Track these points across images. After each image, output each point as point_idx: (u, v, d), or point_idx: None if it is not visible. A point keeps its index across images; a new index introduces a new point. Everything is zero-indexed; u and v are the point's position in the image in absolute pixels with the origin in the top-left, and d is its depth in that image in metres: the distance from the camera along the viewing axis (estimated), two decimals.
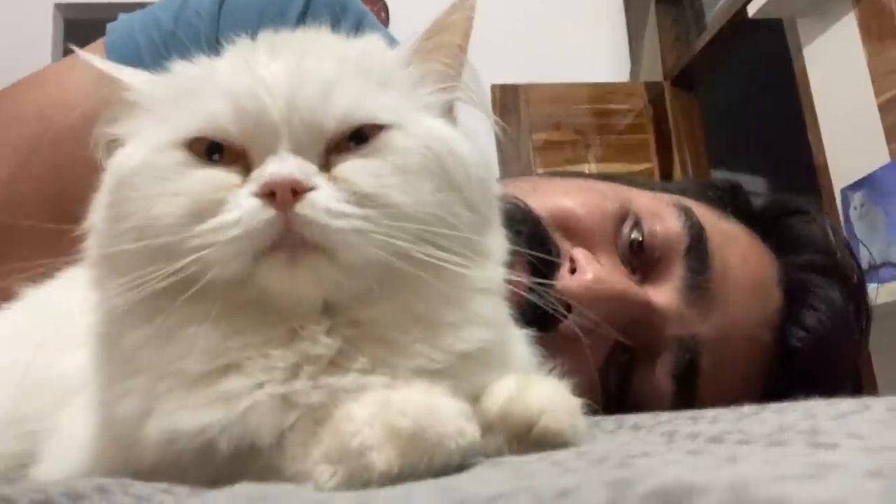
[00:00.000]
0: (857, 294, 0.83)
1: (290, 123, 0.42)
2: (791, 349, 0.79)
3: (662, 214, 0.80)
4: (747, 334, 0.79)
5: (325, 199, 0.40)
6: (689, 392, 0.75)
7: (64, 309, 0.58)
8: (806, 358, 0.78)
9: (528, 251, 0.64)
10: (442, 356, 0.43)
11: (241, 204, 0.40)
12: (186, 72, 0.48)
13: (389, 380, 0.42)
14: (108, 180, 0.46)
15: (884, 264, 2.57)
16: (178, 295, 0.41)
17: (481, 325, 0.45)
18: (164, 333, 0.42)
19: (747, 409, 0.44)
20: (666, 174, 3.87)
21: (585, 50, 4.17)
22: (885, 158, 2.58)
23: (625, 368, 0.77)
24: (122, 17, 0.98)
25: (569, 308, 0.71)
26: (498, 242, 0.50)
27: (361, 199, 0.41)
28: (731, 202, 0.91)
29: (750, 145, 4.70)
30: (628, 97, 4.03)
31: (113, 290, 0.43)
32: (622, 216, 0.80)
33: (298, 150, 0.42)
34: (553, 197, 0.83)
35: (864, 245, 2.53)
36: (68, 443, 0.49)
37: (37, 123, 0.92)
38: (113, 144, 0.48)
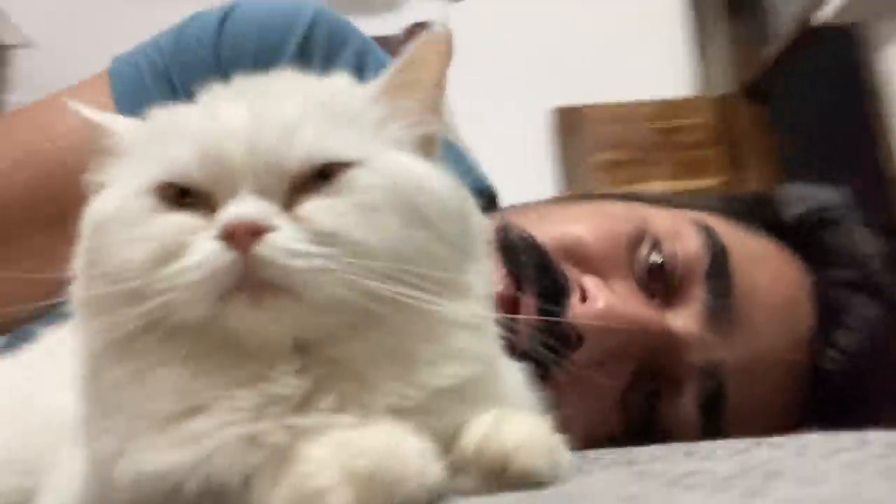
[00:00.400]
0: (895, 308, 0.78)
1: (251, 166, 0.42)
2: (825, 372, 0.74)
3: (682, 234, 0.76)
4: (777, 358, 0.74)
5: (284, 240, 0.40)
6: (714, 421, 0.71)
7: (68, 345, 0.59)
8: (840, 381, 0.74)
9: (533, 283, 0.63)
10: (415, 392, 0.42)
11: (202, 247, 0.40)
12: (160, 117, 0.48)
13: (356, 419, 0.41)
14: (84, 226, 0.47)
15: None
16: (148, 336, 0.41)
17: (459, 360, 0.44)
18: (136, 374, 0.42)
19: (743, 444, 0.41)
20: (737, 188, 3.76)
21: (649, 66, 4.09)
22: None
23: (649, 397, 0.74)
24: (129, 50, 1.00)
25: (580, 339, 0.69)
26: (481, 276, 0.48)
27: (324, 238, 0.41)
28: (761, 215, 0.86)
29: (824, 158, 4.56)
30: (695, 112, 3.93)
31: (91, 332, 0.44)
32: (638, 239, 0.77)
33: (262, 191, 0.42)
34: (561, 224, 0.80)
35: None
36: (66, 478, 0.49)
37: (35, 136, 0.94)
38: (95, 190, 0.49)
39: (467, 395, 0.44)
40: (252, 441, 0.40)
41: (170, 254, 0.41)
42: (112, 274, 0.42)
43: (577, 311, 0.71)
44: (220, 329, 0.41)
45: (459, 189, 0.48)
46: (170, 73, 0.92)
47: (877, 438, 0.36)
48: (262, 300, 0.40)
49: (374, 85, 0.48)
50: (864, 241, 0.80)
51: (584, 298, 0.72)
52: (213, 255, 0.40)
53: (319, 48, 0.93)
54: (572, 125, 3.87)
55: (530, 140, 3.88)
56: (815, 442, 0.37)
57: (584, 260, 0.76)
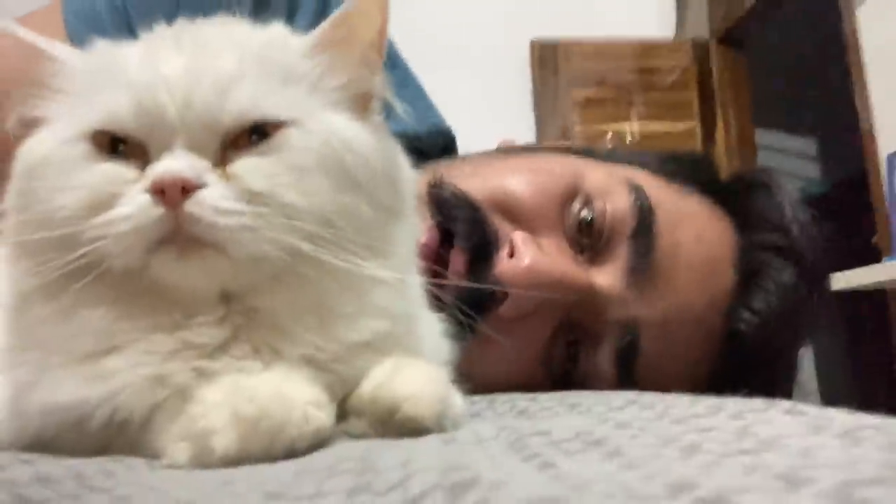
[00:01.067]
0: (811, 277, 0.80)
1: (185, 121, 0.42)
2: (736, 332, 0.77)
3: (613, 192, 0.78)
4: (695, 316, 0.77)
5: (212, 198, 0.41)
6: (629, 374, 0.75)
7: None
8: (748, 341, 0.77)
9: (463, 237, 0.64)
10: (331, 345, 0.45)
11: (133, 199, 0.41)
12: (103, 57, 0.48)
13: (263, 366, 0.43)
14: (17, 167, 0.47)
15: None
16: (78, 279, 0.42)
17: (377, 316, 0.46)
18: (61, 313, 0.43)
19: (620, 401, 0.44)
20: (709, 133, 3.78)
21: (629, 5, 4.06)
22: None
23: (570, 349, 0.76)
24: None
25: (505, 293, 0.71)
26: (408, 233, 0.50)
27: (253, 196, 0.42)
28: (696, 175, 0.88)
29: (797, 106, 4.58)
30: (673, 54, 3.92)
31: (20, 272, 0.45)
32: (570, 195, 0.78)
33: (194, 147, 0.42)
34: (495, 178, 0.81)
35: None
36: None
37: None
38: (30, 123, 0.49)
39: (383, 347, 0.47)
40: (158, 380, 0.42)
41: (101, 203, 0.42)
42: (44, 220, 0.43)
43: (503, 267, 0.73)
44: (146, 278, 0.42)
45: (390, 149, 0.50)
46: (128, 10, 0.89)
47: (734, 405, 0.39)
48: (189, 254, 0.41)
49: (310, 38, 0.48)
50: (788, 207, 0.82)
51: (512, 254, 0.74)
52: (142, 209, 0.41)
53: None
54: (550, 59, 3.84)
55: (509, 73, 3.85)
56: (679, 405, 0.40)
57: (516, 214, 0.78)
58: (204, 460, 0.37)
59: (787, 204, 0.83)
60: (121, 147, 0.44)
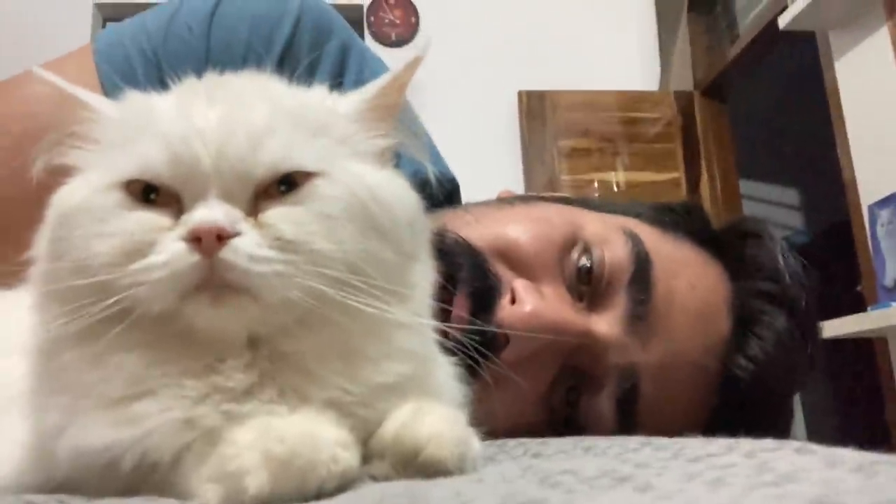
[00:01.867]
0: (804, 324, 0.82)
1: (219, 171, 0.44)
2: (734, 378, 0.79)
3: (611, 241, 0.80)
4: (691, 362, 0.78)
5: (247, 246, 0.42)
6: (629, 418, 0.76)
7: (14, 316, 0.61)
8: (746, 387, 0.78)
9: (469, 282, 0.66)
10: (357, 388, 0.46)
11: (168, 247, 0.42)
12: (135, 107, 0.50)
13: (289, 409, 0.44)
14: (51, 215, 0.48)
15: None
16: (112, 325, 0.43)
17: (401, 359, 0.48)
18: (93, 358, 0.44)
19: (635, 443, 0.45)
20: (693, 184, 3.84)
21: (614, 57, 4.16)
22: None
23: (570, 394, 0.78)
24: (111, 25, 0.99)
25: (507, 339, 0.73)
26: (425, 276, 0.52)
27: (285, 244, 0.43)
28: (688, 224, 0.90)
29: (780, 157, 4.66)
30: (657, 106, 4.00)
31: (51, 318, 0.46)
32: (569, 243, 0.80)
33: (227, 196, 0.44)
34: (496, 227, 0.83)
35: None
36: (7, 447, 0.51)
37: (24, 121, 0.89)
38: (58, 171, 0.50)
39: (404, 390, 0.48)
40: (188, 423, 0.43)
41: (136, 251, 0.43)
42: (79, 267, 0.44)
43: (505, 313, 0.75)
44: (178, 323, 0.43)
45: (410, 196, 0.52)
46: (158, 59, 0.91)
47: (747, 444, 0.40)
48: (222, 300, 0.42)
49: (355, 103, 0.52)
50: (780, 256, 0.84)
51: (513, 300, 0.76)
52: (178, 256, 0.42)
53: (306, 40, 0.95)
54: (538, 109, 3.91)
55: (497, 122, 3.92)
56: (692, 446, 0.41)
57: (517, 262, 0.80)
58: (236, 500, 0.38)
59: (778, 252, 0.85)
60: (153, 196, 0.45)
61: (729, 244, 0.88)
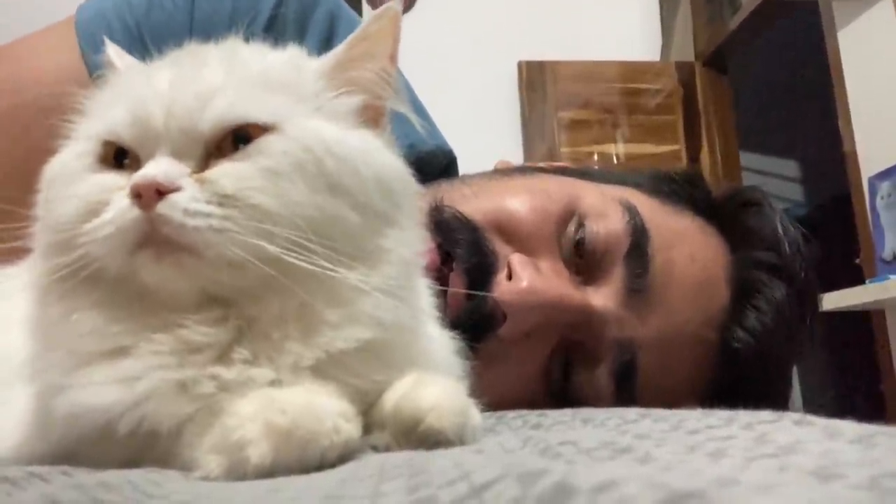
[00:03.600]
0: (803, 295, 0.82)
1: (168, 129, 0.45)
2: (732, 350, 0.79)
3: (607, 214, 0.80)
4: (690, 334, 0.79)
5: (183, 200, 0.43)
6: (627, 391, 0.76)
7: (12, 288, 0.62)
8: (744, 359, 0.78)
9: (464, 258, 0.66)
10: (313, 353, 0.45)
11: (116, 205, 0.44)
12: (117, 77, 0.53)
13: (273, 373, 0.44)
14: (42, 180, 0.51)
15: None
16: (74, 282, 0.45)
17: (364, 324, 0.46)
18: (65, 315, 0.46)
19: (634, 414, 0.45)
20: (694, 156, 3.83)
21: (615, 28, 4.12)
22: None
23: (568, 367, 0.78)
24: None
25: (504, 315, 0.73)
26: (404, 243, 0.50)
27: (223, 199, 0.43)
28: (688, 194, 0.90)
29: (781, 129, 4.64)
30: (658, 77, 3.97)
31: (36, 274, 0.49)
32: (566, 216, 0.80)
33: (178, 154, 0.45)
34: (493, 200, 0.83)
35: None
36: (14, 416, 0.52)
37: (9, 97, 0.92)
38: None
39: (381, 357, 0.47)
40: (182, 389, 0.43)
41: (92, 210, 0.45)
42: (49, 226, 0.47)
43: (502, 289, 0.75)
44: (135, 281, 0.45)
45: (387, 157, 0.51)
46: (141, 32, 0.91)
47: (745, 416, 0.41)
48: (164, 256, 0.43)
49: (326, 60, 0.51)
50: (779, 226, 0.84)
51: (510, 276, 0.76)
52: (121, 212, 0.43)
53: (293, 9, 0.94)
54: (538, 80, 3.88)
55: (497, 93, 3.89)
56: (692, 418, 0.41)
57: (514, 236, 0.80)
58: (238, 471, 0.38)
59: (778, 222, 0.85)
60: (126, 160, 0.47)
61: (729, 214, 0.88)
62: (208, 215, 0.43)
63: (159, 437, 0.43)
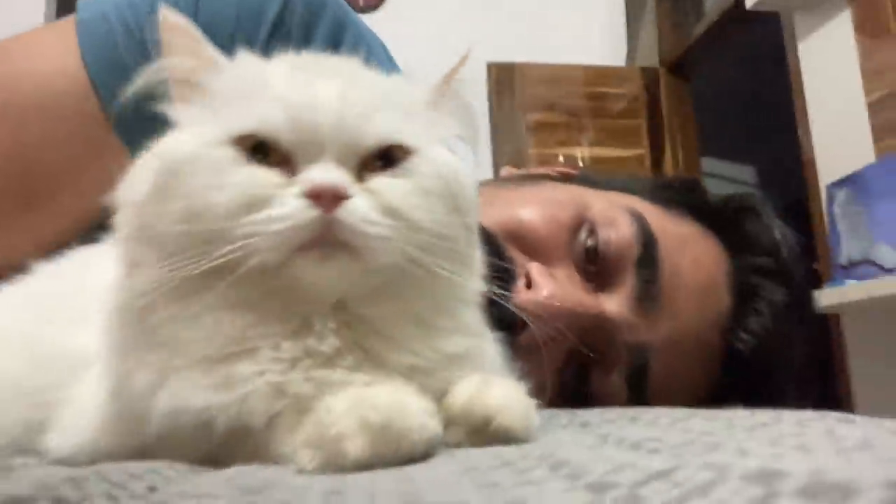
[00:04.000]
0: (800, 298, 0.87)
1: (335, 138, 0.48)
2: (736, 352, 0.83)
3: (617, 221, 0.83)
4: (696, 337, 0.82)
5: (361, 208, 0.46)
6: (640, 393, 0.80)
7: (77, 284, 0.63)
8: (748, 361, 0.83)
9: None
10: (431, 355, 0.49)
11: (289, 202, 0.45)
12: (244, 69, 0.53)
13: (370, 378, 0.46)
14: (153, 163, 0.49)
15: (863, 262, 2.63)
16: (213, 280, 0.45)
17: (466, 333, 0.52)
18: (192, 315, 0.46)
19: (681, 413, 0.49)
20: (657, 161, 3.91)
21: (582, 32, 4.19)
22: (872, 157, 2.63)
23: (582, 370, 0.81)
24: None
25: (524, 323, 0.76)
26: (479, 256, 0.56)
27: (391, 211, 0.47)
28: (687, 200, 0.93)
29: (741, 135, 4.75)
30: (623, 81, 4.05)
31: (152, 268, 0.47)
32: (577, 224, 0.83)
33: (339, 161, 0.47)
34: (506, 209, 0.86)
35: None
36: (79, 413, 0.53)
37: (4, 94, 0.90)
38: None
39: (465, 361, 0.51)
40: (280, 389, 0.45)
41: (253, 204, 0.45)
42: (192, 214, 0.46)
43: (522, 298, 0.78)
44: (281, 278, 0.46)
45: (472, 178, 0.55)
46: (143, 34, 0.89)
47: (789, 415, 0.44)
48: (330, 257, 0.45)
49: (427, 92, 0.56)
50: (776, 230, 0.89)
51: (528, 284, 0.79)
52: (300, 210, 0.45)
53: (297, 16, 0.94)
54: (506, 82, 3.93)
55: (465, 94, 3.92)
56: (739, 416, 0.45)
57: (529, 244, 0.83)
58: (336, 465, 0.40)
59: (775, 227, 0.89)
60: (259, 154, 0.48)
61: (727, 219, 0.92)
62: (378, 224, 0.46)
63: (251, 433, 0.45)
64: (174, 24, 0.54)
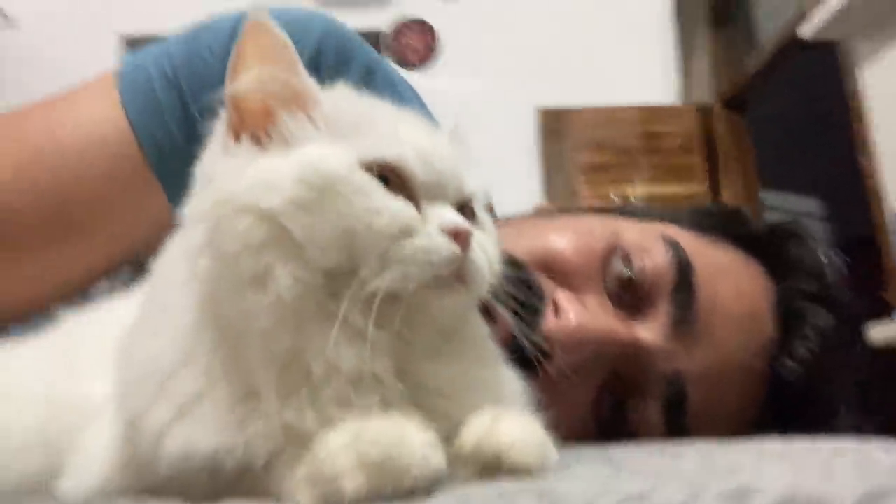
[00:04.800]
0: (849, 322, 0.83)
1: (450, 184, 0.52)
2: (782, 379, 0.79)
3: (651, 249, 0.81)
4: (738, 366, 0.79)
5: (482, 250, 0.51)
6: (678, 423, 0.77)
7: (100, 334, 0.63)
8: (796, 388, 0.79)
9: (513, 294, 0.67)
10: (460, 381, 0.51)
11: (435, 236, 0.48)
12: (344, 100, 0.54)
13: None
14: (294, 171, 0.48)
15: None
16: (331, 304, 0.47)
17: (484, 363, 0.55)
18: (317, 347, 0.46)
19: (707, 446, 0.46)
20: (715, 197, 3.84)
21: (634, 71, 4.17)
22: None
23: (618, 401, 0.78)
24: (136, 52, 1.00)
25: (552, 352, 0.74)
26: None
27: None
28: (730, 228, 0.90)
29: (802, 168, 4.65)
30: (678, 119, 4.01)
31: (287, 280, 0.46)
32: (610, 253, 0.81)
33: (452, 205, 0.51)
34: (537, 239, 0.84)
35: None
36: (91, 458, 0.54)
37: (42, 137, 0.94)
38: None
39: (480, 391, 0.51)
40: (286, 429, 0.44)
41: (403, 232, 0.47)
42: (346, 232, 0.46)
43: (550, 326, 0.76)
44: (412, 305, 0.48)
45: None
46: (180, 81, 0.93)
47: (825, 444, 0.41)
48: (457, 290, 0.49)
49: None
50: (821, 255, 0.85)
51: (557, 312, 0.77)
52: (444, 245, 0.47)
53: (328, 63, 0.95)
54: (557, 126, 3.93)
55: (517, 139, 3.94)
56: (770, 446, 0.42)
57: (560, 273, 0.81)
58: (332, 502, 0.39)
59: (820, 251, 0.86)
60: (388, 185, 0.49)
61: (771, 245, 0.89)
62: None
63: (252, 472, 0.44)
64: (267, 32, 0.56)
